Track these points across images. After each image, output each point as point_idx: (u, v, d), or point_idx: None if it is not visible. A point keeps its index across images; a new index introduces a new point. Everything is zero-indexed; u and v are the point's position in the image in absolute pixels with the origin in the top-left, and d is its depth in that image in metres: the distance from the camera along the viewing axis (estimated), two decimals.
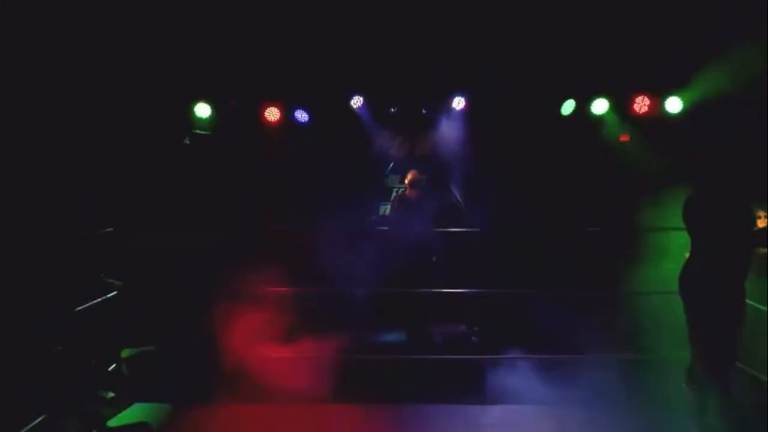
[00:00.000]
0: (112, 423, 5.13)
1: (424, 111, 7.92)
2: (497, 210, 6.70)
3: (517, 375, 5.42)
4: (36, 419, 4.63)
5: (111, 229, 5.70)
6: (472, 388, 5.47)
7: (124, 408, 5.34)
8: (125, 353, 5.75)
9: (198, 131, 7.33)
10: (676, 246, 6.04)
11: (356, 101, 7.55)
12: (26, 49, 5.18)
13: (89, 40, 5.79)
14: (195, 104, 7.24)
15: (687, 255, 4.57)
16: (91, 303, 5.37)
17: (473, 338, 6.79)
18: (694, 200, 4.46)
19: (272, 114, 7.48)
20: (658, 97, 7.03)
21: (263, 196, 6.93)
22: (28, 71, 5.21)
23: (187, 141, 7.24)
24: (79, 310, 5.23)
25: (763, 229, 5.19)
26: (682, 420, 4.51)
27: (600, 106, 7.23)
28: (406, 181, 6.90)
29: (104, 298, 5.54)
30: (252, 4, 6.63)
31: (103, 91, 6.14)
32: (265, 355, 5.65)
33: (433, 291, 6.42)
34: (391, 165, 8.22)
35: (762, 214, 5.42)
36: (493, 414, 5.15)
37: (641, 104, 7.12)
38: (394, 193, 8.07)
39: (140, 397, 5.47)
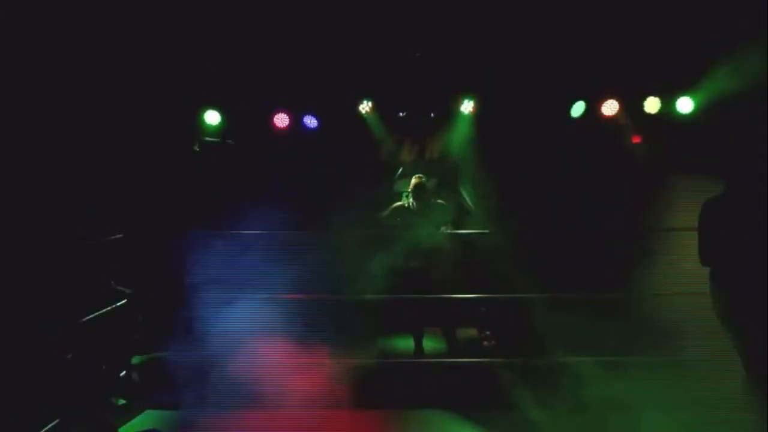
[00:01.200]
0: (123, 430, 5.12)
1: (432, 115, 7.89)
2: (506, 212, 6.65)
3: (531, 380, 5.35)
4: (47, 426, 4.61)
5: (120, 235, 5.71)
6: (484, 393, 5.42)
7: (136, 415, 5.33)
8: (136, 360, 5.73)
9: (207, 139, 7.33)
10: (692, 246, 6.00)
11: (365, 106, 7.55)
12: (35, 56, 5.20)
13: (99, 47, 5.81)
14: (204, 111, 7.25)
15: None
16: (101, 310, 5.37)
17: (485, 343, 6.74)
18: (720, 205, 4.29)
19: (281, 120, 7.48)
20: (670, 97, 6.96)
21: (270, 202, 6.89)
22: (39, 81, 5.23)
23: (196, 148, 7.24)
24: (90, 318, 5.22)
25: None
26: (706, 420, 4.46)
27: (611, 108, 7.17)
28: (410, 189, 6.89)
29: (114, 305, 5.54)
30: (259, 12, 6.64)
31: (113, 99, 6.16)
32: (275, 361, 5.63)
33: (444, 296, 6.40)
34: (400, 169, 8.19)
35: None
36: (505, 420, 5.10)
37: (652, 105, 7.05)
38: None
39: (151, 404, 5.45)
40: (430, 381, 5.75)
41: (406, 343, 6.73)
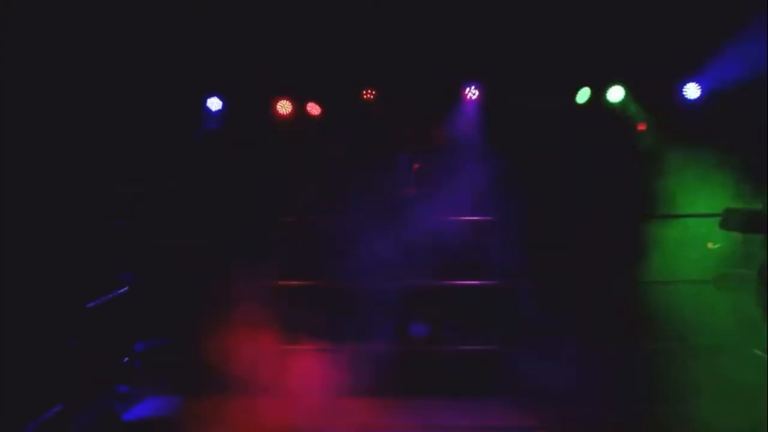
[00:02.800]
0: (127, 417, 5.15)
1: (437, 102, 7.83)
2: (511, 199, 6.62)
3: (531, 367, 5.35)
4: (51, 411, 4.65)
5: (123, 223, 5.71)
6: (484, 379, 5.43)
7: (139, 402, 5.36)
8: (138, 347, 5.76)
9: (208, 126, 7.29)
10: (697, 234, 5.98)
11: (369, 92, 7.49)
12: (37, 52, 5.20)
13: (99, 35, 5.79)
14: (207, 98, 7.22)
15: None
16: (104, 298, 5.39)
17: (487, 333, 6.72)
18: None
19: (284, 107, 7.45)
20: (674, 83, 6.87)
21: (275, 190, 6.89)
22: (42, 74, 5.23)
23: (197, 136, 7.21)
24: (93, 305, 5.25)
25: None
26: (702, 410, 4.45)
27: (616, 94, 7.09)
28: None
29: (117, 293, 5.56)
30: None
31: (116, 86, 6.15)
32: (277, 347, 5.64)
33: (446, 283, 6.41)
34: (405, 157, 8.14)
35: None
36: (504, 405, 5.11)
37: (654, 91, 6.96)
38: None
39: (154, 390, 5.48)
40: (433, 369, 5.77)
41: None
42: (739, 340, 5.09)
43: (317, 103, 7.53)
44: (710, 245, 6.12)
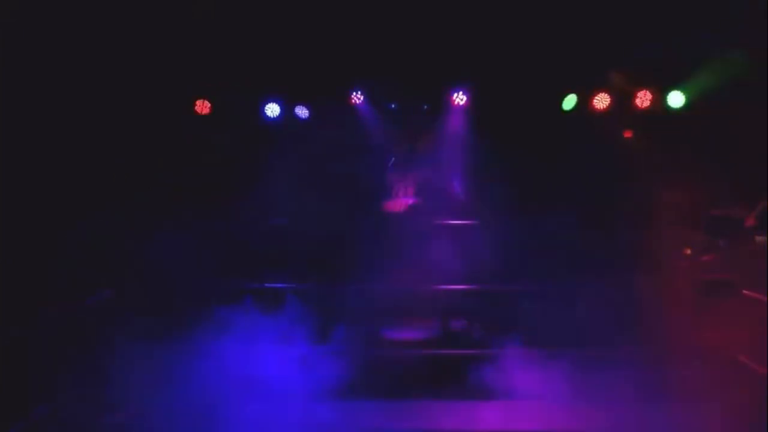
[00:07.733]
0: (106, 420, 5.12)
1: (425, 106, 7.88)
2: (498, 203, 6.66)
3: (518, 370, 5.38)
4: (32, 415, 4.62)
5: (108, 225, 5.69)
6: (472, 383, 5.44)
7: (119, 407, 5.32)
8: (119, 353, 5.72)
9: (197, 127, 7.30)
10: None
11: (357, 96, 7.53)
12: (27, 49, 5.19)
13: (89, 36, 5.77)
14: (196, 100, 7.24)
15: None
16: (85, 302, 5.37)
17: (474, 334, 6.75)
18: None
19: (272, 110, 7.47)
20: (661, 91, 6.96)
21: (263, 192, 6.88)
22: (30, 72, 5.22)
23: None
24: (75, 309, 5.22)
25: None
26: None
27: (602, 101, 7.17)
28: None
29: (98, 297, 5.53)
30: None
31: (104, 88, 6.13)
32: (266, 352, 5.63)
33: (434, 286, 6.43)
34: (392, 159, 8.18)
35: None
36: (493, 409, 5.12)
37: (643, 99, 7.04)
38: None
39: (135, 394, 5.44)
40: (416, 371, 5.78)
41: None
42: None
43: (305, 106, 7.56)
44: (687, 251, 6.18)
